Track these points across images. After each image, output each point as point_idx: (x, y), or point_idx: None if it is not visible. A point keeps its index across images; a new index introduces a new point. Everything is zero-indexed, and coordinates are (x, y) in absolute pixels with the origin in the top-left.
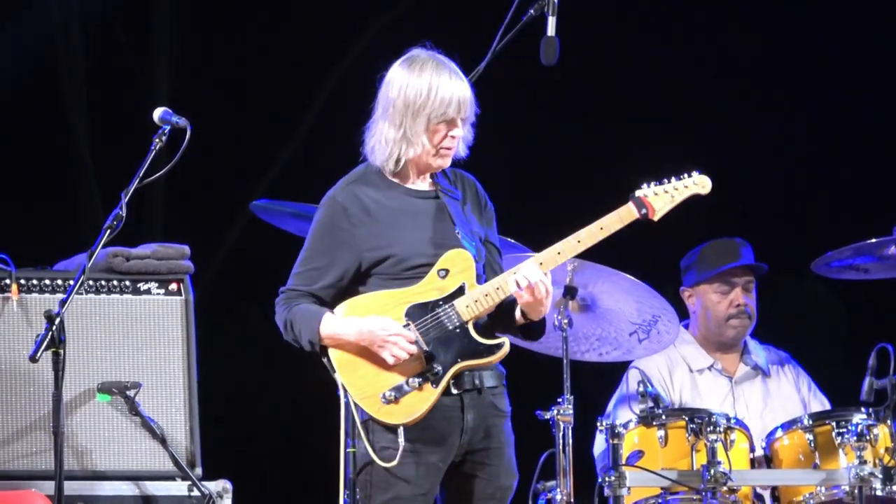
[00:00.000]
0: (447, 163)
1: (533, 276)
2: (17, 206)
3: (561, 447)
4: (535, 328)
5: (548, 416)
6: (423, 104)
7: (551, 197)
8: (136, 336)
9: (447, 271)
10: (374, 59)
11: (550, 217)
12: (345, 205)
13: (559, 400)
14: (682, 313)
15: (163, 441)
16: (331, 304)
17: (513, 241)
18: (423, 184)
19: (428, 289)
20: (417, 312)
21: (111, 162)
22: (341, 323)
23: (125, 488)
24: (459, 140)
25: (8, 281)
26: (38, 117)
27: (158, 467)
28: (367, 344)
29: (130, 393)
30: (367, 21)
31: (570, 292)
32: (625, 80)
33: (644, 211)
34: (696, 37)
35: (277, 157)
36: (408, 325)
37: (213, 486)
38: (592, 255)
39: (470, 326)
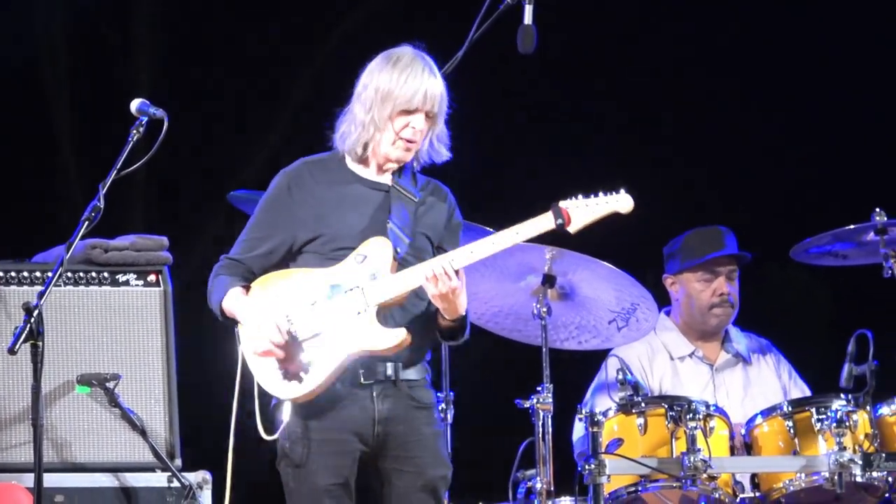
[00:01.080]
0: (408, 157)
1: (438, 268)
2: None
3: (541, 436)
4: (454, 329)
5: (527, 404)
6: (390, 91)
7: (515, 190)
8: (115, 328)
9: (365, 257)
10: (354, 49)
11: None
12: (291, 182)
13: (538, 388)
14: (664, 300)
15: (142, 432)
16: (257, 274)
17: (476, 224)
18: (383, 177)
19: (343, 271)
20: (328, 292)
21: (90, 154)
22: (239, 301)
23: (105, 480)
24: (424, 135)
25: None
26: (16, 110)
27: (138, 459)
28: (247, 327)
29: (109, 384)
30: (347, 12)
31: (548, 280)
32: (600, 69)
33: (560, 221)
34: (674, 24)
35: (255, 148)
36: (314, 303)
37: (193, 478)
38: (571, 243)
39: (374, 313)
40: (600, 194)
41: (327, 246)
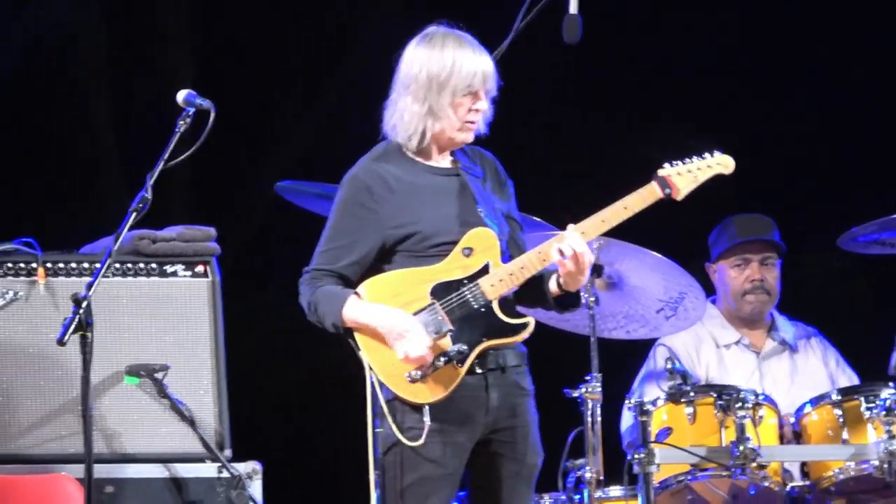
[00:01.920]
0: (470, 137)
1: (578, 244)
2: (43, 191)
3: (590, 425)
4: (570, 299)
5: (576, 394)
6: (447, 77)
7: (570, 177)
8: (164, 318)
9: (471, 250)
10: (395, 36)
11: (570, 197)
12: (368, 182)
13: (587, 378)
14: (710, 289)
15: (191, 423)
16: (355, 282)
17: (538, 219)
18: (444, 161)
19: (452, 267)
20: (442, 291)
21: (135, 144)
22: (364, 309)
23: (154, 471)
24: (482, 115)
25: (34, 265)
26: (61, 102)
27: (187, 449)
28: (385, 333)
29: (158, 375)
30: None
31: (596, 270)
32: (644, 53)
33: (668, 191)
34: (717, 9)
35: (302, 138)
36: (433, 304)
37: (243, 468)
38: (618, 232)
39: (495, 305)
40: (695, 158)
41: (423, 243)
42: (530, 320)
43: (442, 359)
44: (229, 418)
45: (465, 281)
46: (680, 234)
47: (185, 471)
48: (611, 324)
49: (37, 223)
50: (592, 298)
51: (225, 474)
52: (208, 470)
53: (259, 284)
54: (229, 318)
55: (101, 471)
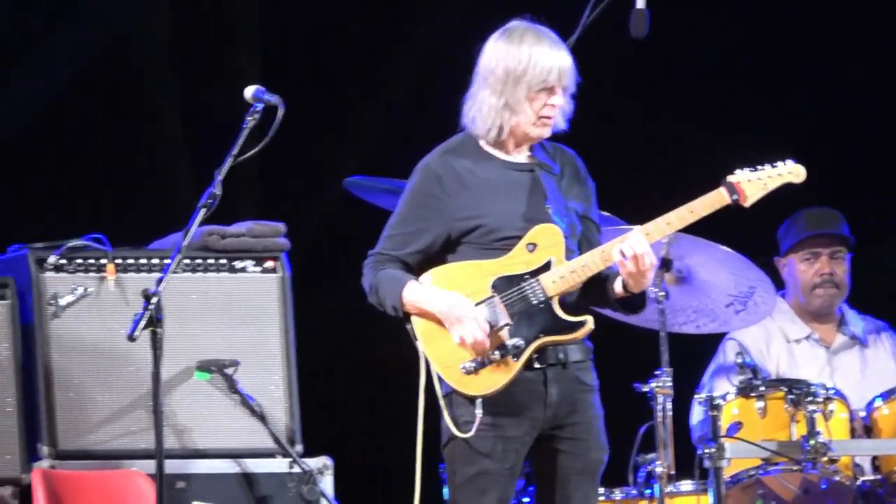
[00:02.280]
0: (546, 133)
1: (639, 246)
2: (112, 186)
3: (660, 420)
4: (635, 301)
5: (646, 388)
6: (523, 72)
7: (641, 176)
8: (234, 314)
9: (535, 245)
10: (467, 30)
11: (643, 197)
12: (439, 172)
13: (657, 372)
14: (780, 284)
15: (262, 418)
16: (417, 270)
17: (610, 214)
18: (521, 156)
19: (515, 262)
20: (503, 285)
21: (204, 141)
22: (424, 292)
23: (225, 466)
24: (559, 110)
25: (104, 261)
26: (129, 99)
27: (258, 445)
28: (443, 318)
29: (229, 371)
30: None
31: (665, 264)
32: (714, 55)
33: (735, 197)
34: (783, 9)
35: (371, 134)
36: (492, 297)
37: (314, 463)
38: (688, 226)
39: (555, 302)
40: (767, 166)
41: (489, 236)
42: (588, 318)
43: (497, 352)
44: (300, 413)
45: (527, 276)
46: (749, 228)
47: (256, 466)
48: (681, 318)
49: (107, 219)
50: (662, 293)
51: (296, 469)
52: (279, 465)
53: (328, 280)
54: (299, 313)
55: (171, 466)
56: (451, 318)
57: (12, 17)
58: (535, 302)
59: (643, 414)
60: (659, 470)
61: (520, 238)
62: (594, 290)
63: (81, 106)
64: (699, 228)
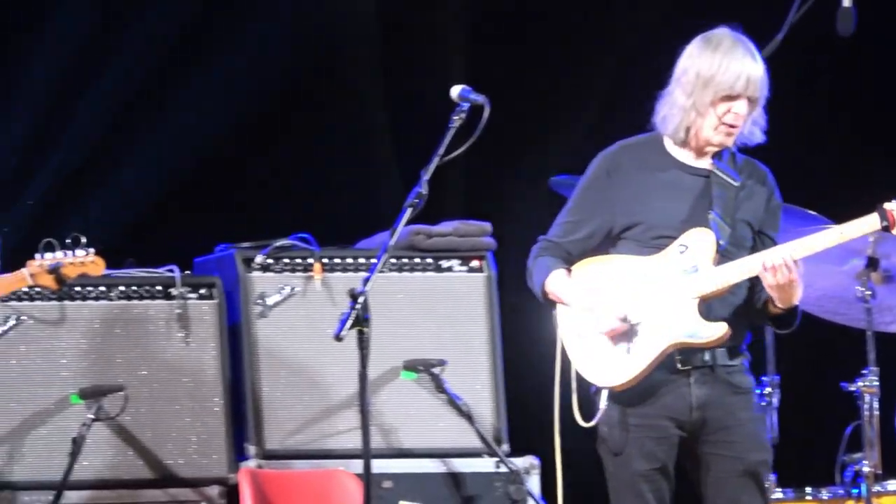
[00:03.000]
0: (729, 142)
1: (778, 258)
2: (319, 187)
3: (867, 419)
4: (784, 318)
5: (853, 387)
6: (712, 76)
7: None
8: (440, 313)
9: (686, 247)
10: (671, 33)
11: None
12: (612, 166)
13: (864, 371)
14: None
15: (469, 418)
16: (578, 259)
17: (814, 213)
18: (701, 162)
19: (664, 262)
20: (648, 282)
21: (409, 140)
22: (562, 284)
23: (431, 465)
24: (745, 120)
25: (311, 260)
26: (335, 98)
27: (465, 444)
28: (580, 309)
29: (436, 370)
30: None
31: (872, 263)
32: None
33: (885, 224)
34: None
35: (576, 133)
36: (635, 292)
37: (521, 463)
38: None
39: (695, 305)
40: None
41: (648, 234)
42: (723, 325)
43: (629, 347)
44: (506, 413)
45: (672, 276)
46: None
47: (463, 465)
48: (888, 317)
49: (314, 219)
50: (869, 292)
51: (502, 469)
52: (486, 465)
53: None
54: (504, 313)
55: (378, 466)
56: (583, 309)
57: (212, 12)
58: (675, 302)
59: (850, 413)
60: (866, 469)
61: (674, 239)
62: (748, 304)
63: (289, 106)
64: None
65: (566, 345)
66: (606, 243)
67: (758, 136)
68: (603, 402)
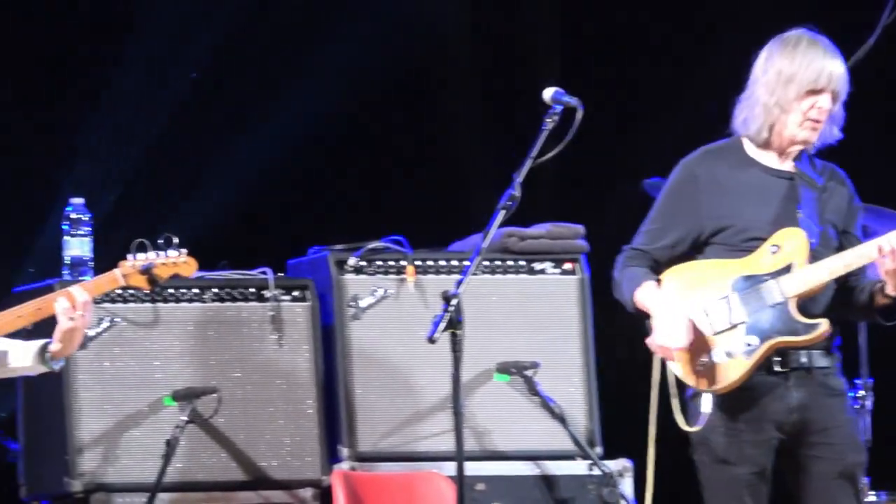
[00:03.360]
0: (813, 137)
1: (894, 241)
2: (411, 188)
3: None
4: (893, 308)
5: None
6: (794, 72)
7: None
8: (532, 316)
9: (779, 247)
10: (764, 37)
11: None
12: (696, 172)
13: None
14: None
15: (562, 420)
16: (666, 266)
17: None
18: (784, 164)
19: (757, 262)
20: (742, 284)
21: (499, 142)
22: (649, 295)
23: (525, 468)
24: (827, 116)
25: (404, 262)
26: (428, 99)
27: (558, 447)
28: (658, 320)
29: (528, 373)
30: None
31: None
32: None
33: None
34: None
35: (668, 135)
36: (729, 295)
37: (614, 465)
38: None
39: (792, 304)
40: None
41: (738, 237)
42: (822, 322)
43: (728, 349)
44: (599, 415)
45: (766, 277)
46: None
47: (556, 468)
48: None
49: (406, 221)
50: None
51: (595, 472)
52: (579, 467)
53: None
54: (598, 316)
55: (472, 468)
56: (660, 321)
57: (309, 12)
58: (771, 303)
59: None
60: None
61: (764, 240)
62: (845, 300)
63: (381, 108)
64: None
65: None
66: (694, 249)
67: (835, 135)
68: (706, 407)
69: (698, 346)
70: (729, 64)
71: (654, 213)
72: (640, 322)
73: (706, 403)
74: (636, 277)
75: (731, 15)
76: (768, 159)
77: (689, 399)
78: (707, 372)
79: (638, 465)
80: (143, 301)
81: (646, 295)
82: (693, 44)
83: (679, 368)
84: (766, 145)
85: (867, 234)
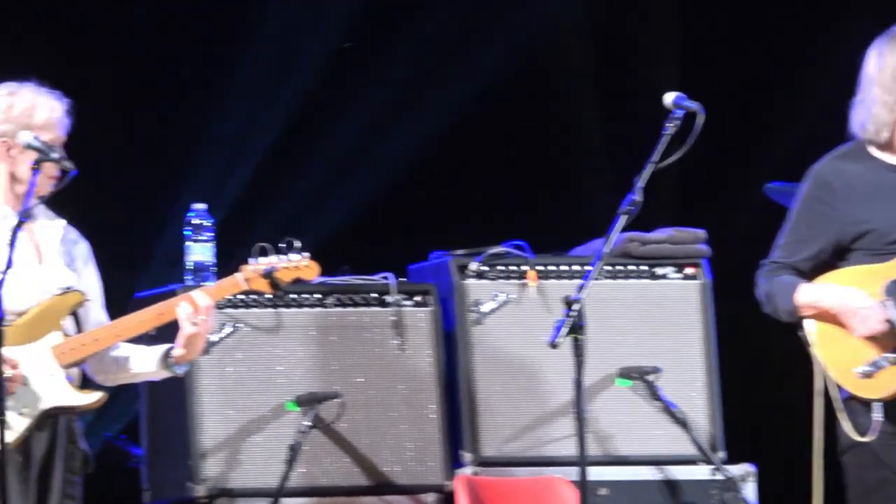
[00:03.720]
0: None
1: None
2: (533, 193)
3: None
4: None
5: None
6: None
7: None
8: (654, 320)
9: None
10: (874, 35)
11: None
12: (828, 179)
13: None
14: None
15: (684, 425)
16: (809, 277)
17: None
18: None
19: None
20: (895, 288)
21: (620, 146)
22: (818, 290)
23: (647, 473)
24: None
25: (525, 267)
26: (550, 104)
27: (680, 452)
28: (840, 313)
29: (650, 377)
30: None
31: None
32: None
33: None
34: None
35: (791, 139)
36: (886, 300)
37: (736, 470)
38: None
39: None
40: None
41: (881, 240)
42: None
43: (893, 355)
44: (722, 420)
45: None
46: None
47: (678, 473)
48: None
49: (528, 226)
50: None
51: (718, 477)
52: (701, 472)
53: (749, 286)
54: (720, 320)
55: (594, 473)
56: (849, 311)
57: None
58: None
59: None
60: None
61: None
62: None
63: (502, 112)
64: None
65: (825, 360)
66: (835, 257)
67: None
68: (878, 414)
69: (860, 352)
70: (853, 65)
71: (790, 224)
72: (750, 327)
73: (877, 411)
74: (791, 283)
75: (856, 17)
76: (891, 157)
77: (844, 402)
78: (873, 379)
79: (761, 469)
80: (266, 306)
81: (813, 292)
82: (818, 45)
83: (841, 376)
84: (887, 146)
85: None
